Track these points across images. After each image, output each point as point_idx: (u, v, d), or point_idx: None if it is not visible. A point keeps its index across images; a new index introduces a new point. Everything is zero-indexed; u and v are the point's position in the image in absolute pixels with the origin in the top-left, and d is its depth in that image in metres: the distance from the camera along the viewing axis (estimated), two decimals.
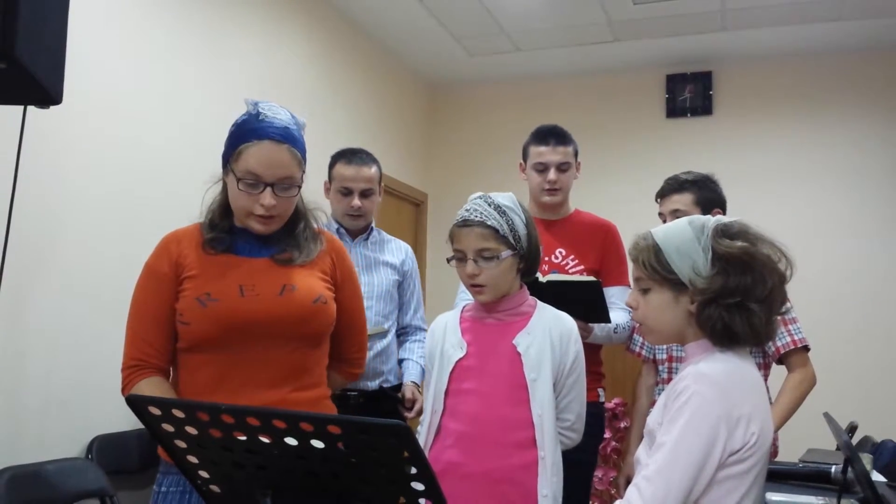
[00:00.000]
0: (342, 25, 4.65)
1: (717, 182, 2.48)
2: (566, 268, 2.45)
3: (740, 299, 1.35)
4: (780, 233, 1.45)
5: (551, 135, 2.48)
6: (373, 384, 2.53)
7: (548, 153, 2.46)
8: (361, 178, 2.57)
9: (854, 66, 5.00)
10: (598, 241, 2.50)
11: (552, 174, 2.45)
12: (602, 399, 2.50)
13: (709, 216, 1.46)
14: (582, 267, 2.45)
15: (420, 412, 2.53)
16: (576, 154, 2.52)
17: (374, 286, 2.57)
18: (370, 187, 2.59)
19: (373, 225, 2.67)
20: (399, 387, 2.62)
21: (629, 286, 2.54)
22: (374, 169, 2.61)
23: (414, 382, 2.60)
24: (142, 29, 3.06)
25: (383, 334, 2.56)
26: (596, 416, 2.44)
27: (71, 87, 2.08)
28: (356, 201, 2.55)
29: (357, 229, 2.62)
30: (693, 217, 1.46)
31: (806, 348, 2.33)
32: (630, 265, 1.56)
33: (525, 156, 2.55)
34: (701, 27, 4.76)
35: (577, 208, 2.61)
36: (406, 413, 2.55)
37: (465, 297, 2.41)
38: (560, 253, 2.47)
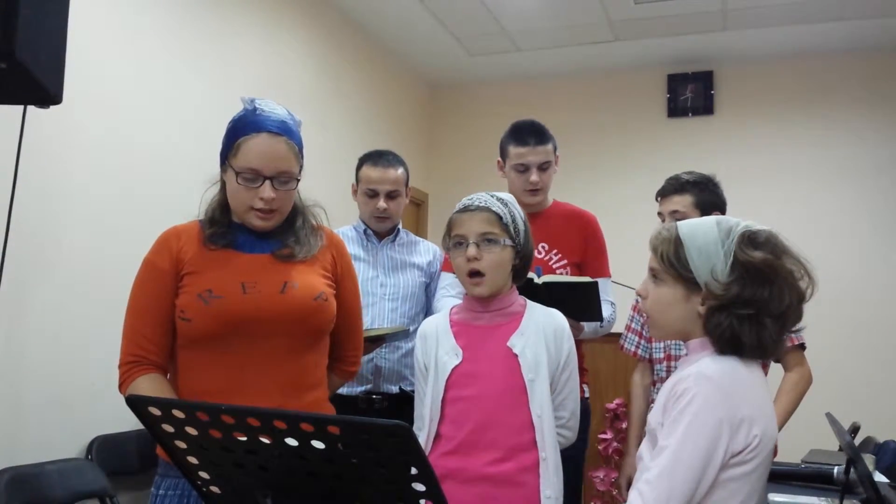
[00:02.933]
0: (343, 25, 4.65)
1: (718, 184, 2.46)
2: (550, 263, 2.43)
3: (754, 312, 1.32)
4: (782, 232, 1.43)
5: (530, 134, 2.45)
6: (395, 388, 2.50)
7: (528, 154, 2.43)
8: (387, 180, 2.56)
9: (854, 65, 5.00)
10: (577, 232, 2.48)
11: (534, 175, 2.43)
12: (587, 395, 2.47)
13: (739, 219, 1.41)
14: (566, 262, 2.44)
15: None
16: (555, 149, 2.50)
17: (400, 287, 2.56)
18: (396, 189, 2.57)
19: (399, 226, 2.66)
20: None
21: (610, 277, 2.54)
22: (400, 171, 2.60)
23: None
24: (142, 29, 3.06)
25: (406, 335, 2.53)
26: (582, 412, 2.43)
27: (71, 86, 2.07)
28: (382, 203, 2.54)
29: (384, 231, 2.62)
30: (722, 217, 1.43)
31: (802, 346, 2.32)
32: (632, 257, 1.53)
33: (503, 154, 2.52)
34: (702, 27, 4.76)
35: (555, 199, 2.59)
36: None
37: (447, 294, 2.38)
38: (543, 248, 2.45)
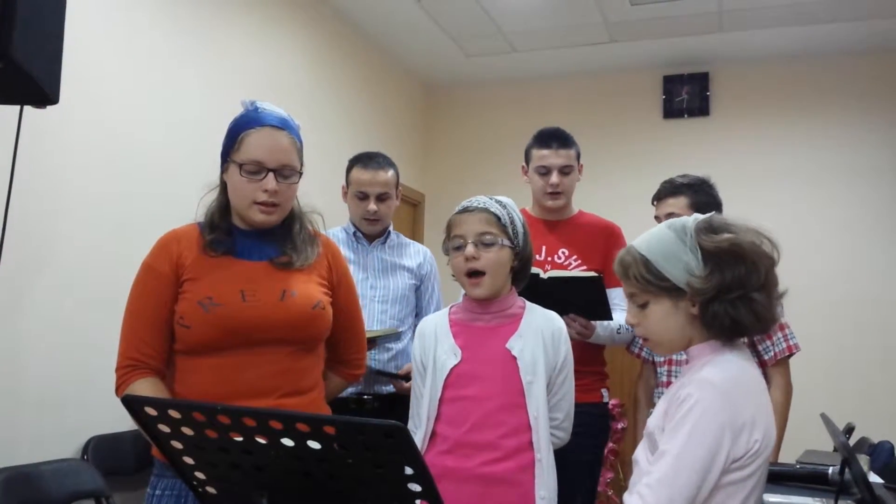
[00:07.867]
0: (340, 26, 4.65)
1: (713, 185, 2.48)
2: (569, 268, 2.44)
3: (742, 292, 1.33)
4: (778, 233, 1.43)
5: (553, 138, 2.48)
6: (387, 388, 2.49)
7: (550, 156, 2.45)
8: (377, 183, 2.54)
9: (851, 67, 5.01)
10: (601, 242, 2.49)
11: (555, 177, 2.45)
12: (606, 399, 2.47)
13: (685, 216, 1.43)
14: (585, 267, 2.44)
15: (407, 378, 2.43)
16: (578, 156, 2.52)
17: (390, 289, 2.55)
18: (386, 191, 2.56)
19: (390, 229, 2.65)
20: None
21: None
22: (390, 173, 2.58)
23: None
24: (139, 29, 3.06)
25: (398, 337, 2.53)
26: (600, 416, 2.42)
27: (68, 86, 2.07)
28: (372, 205, 2.53)
29: (374, 233, 2.60)
30: (670, 220, 1.44)
31: (791, 354, 2.35)
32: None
33: (527, 158, 2.54)
34: (698, 28, 4.76)
35: (581, 209, 2.60)
36: (402, 382, 2.44)
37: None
38: (563, 253, 2.46)
